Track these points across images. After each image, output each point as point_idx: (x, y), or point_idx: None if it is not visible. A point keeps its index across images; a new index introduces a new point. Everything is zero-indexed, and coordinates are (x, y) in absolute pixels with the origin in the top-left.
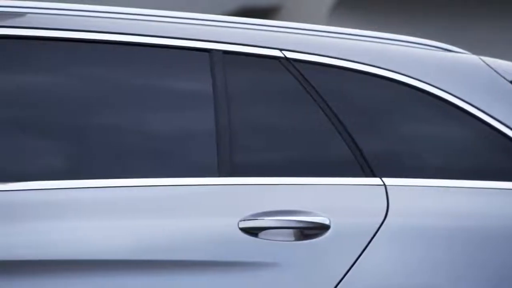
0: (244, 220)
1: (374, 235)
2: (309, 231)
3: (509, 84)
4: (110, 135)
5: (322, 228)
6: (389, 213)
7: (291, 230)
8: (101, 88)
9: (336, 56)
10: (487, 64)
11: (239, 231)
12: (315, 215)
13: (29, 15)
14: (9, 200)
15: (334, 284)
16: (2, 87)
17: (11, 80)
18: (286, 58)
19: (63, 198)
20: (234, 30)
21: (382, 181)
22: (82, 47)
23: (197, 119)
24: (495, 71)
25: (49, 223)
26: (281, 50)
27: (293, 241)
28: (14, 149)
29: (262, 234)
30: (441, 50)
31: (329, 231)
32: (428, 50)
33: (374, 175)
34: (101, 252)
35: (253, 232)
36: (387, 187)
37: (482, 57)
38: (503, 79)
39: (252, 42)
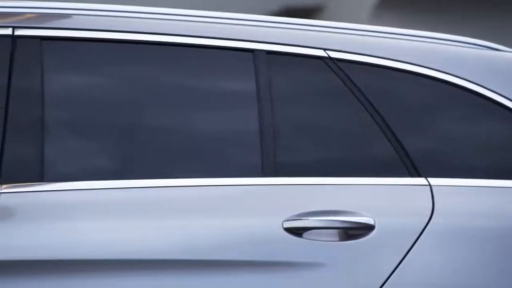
0: (288, 220)
1: (420, 235)
2: (354, 231)
3: None
4: (155, 135)
5: (366, 229)
6: (434, 213)
7: (335, 230)
8: (148, 89)
9: (381, 55)
10: None
11: (284, 231)
12: (360, 215)
13: (74, 16)
14: (56, 200)
15: (379, 285)
16: (51, 88)
17: (60, 81)
18: (330, 58)
19: (109, 198)
20: (278, 30)
21: (427, 181)
22: (130, 49)
23: (241, 119)
24: None
25: (95, 223)
26: (325, 50)
27: (338, 241)
28: (62, 149)
29: (306, 234)
30: (490, 49)
31: (374, 232)
32: (477, 50)
33: (419, 175)
34: (146, 252)
35: (297, 232)
36: (433, 187)
37: None
38: None
39: (296, 42)
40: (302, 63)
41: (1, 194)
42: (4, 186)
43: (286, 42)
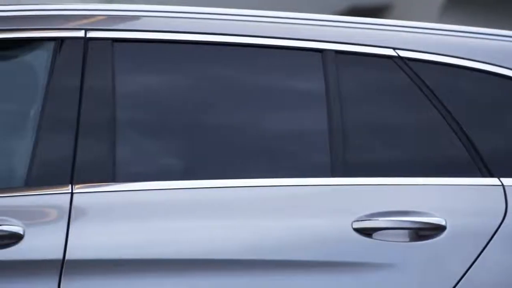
0: (358, 220)
1: (492, 237)
2: (425, 232)
3: None
4: (225, 135)
5: (437, 229)
6: (507, 214)
7: (406, 231)
8: (217, 90)
9: (451, 54)
10: None
11: (353, 232)
12: (431, 215)
13: (144, 18)
14: (128, 200)
15: (452, 286)
16: (122, 90)
17: (131, 82)
18: (400, 57)
19: (180, 199)
20: (347, 30)
21: (500, 181)
22: (201, 49)
23: (310, 119)
24: None
25: (166, 223)
26: (394, 49)
27: (408, 241)
28: (133, 150)
29: (376, 234)
30: None
31: (445, 232)
32: None
33: (491, 175)
34: (215, 252)
35: (367, 232)
36: (506, 187)
37: None
38: None
39: (365, 41)
40: (372, 63)
41: (75, 194)
42: (77, 186)
43: (355, 42)
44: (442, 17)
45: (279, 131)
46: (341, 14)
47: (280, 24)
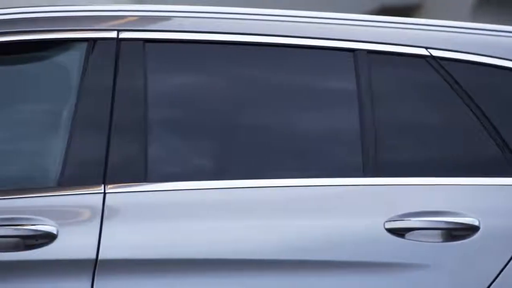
0: (390, 220)
1: None
2: (458, 232)
3: None
4: (256, 135)
5: (471, 229)
6: None
7: (439, 231)
8: (249, 90)
9: (484, 53)
10: None
11: (386, 232)
12: (464, 215)
13: (176, 18)
14: (159, 200)
15: (485, 287)
16: (154, 90)
17: (162, 83)
18: (432, 57)
19: (211, 199)
20: (378, 29)
21: None
22: (232, 50)
23: (342, 119)
24: None
25: (197, 223)
26: (427, 48)
27: (441, 242)
28: (164, 150)
29: (409, 235)
30: None
31: (479, 232)
32: None
33: None
34: (248, 252)
35: (399, 233)
36: None
37: None
38: None
39: (397, 41)
40: (404, 62)
41: (107, 194)
42: (109, 186)
43: (387, 41)
44: (474, 16)
45: (311, 131)
46: (371, 13)
47: (312, 24)
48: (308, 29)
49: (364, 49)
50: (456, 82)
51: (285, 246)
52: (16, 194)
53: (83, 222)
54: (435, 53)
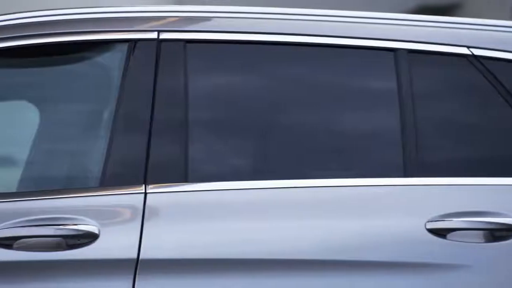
0: (431, 221)
1: None
2: (500, 233)
3: None
4: (296, 135)
5: None
6: None
7: (480, 232)
8: (289, 90)
9: None
10: None
11: (427, 232)
12: (506, 216)
13: (216, 19)
14: (200, 200)
15: None
16: (194, 90)
17: (203, 83)
18: (474, 56)
19: (251, 199)
20: (419, 28)
21: None
22: (272, 50)
23: (382, 119)
24: None
25: (237, 223)
26: (468, 47)
27: (483, 242)
28: (205, 150)
29: (450, 235)
30: None
31: None
32: None
33: None
34: (288, 252)
35: (441, 233)
36: None
37: None
38: None
39: (438, 40)
40: (445, 61)
41: (148, 194)
42: (150, 186)
43: (428, 41)
44: None
45: (351, 130)
46: (410, 12)
47: (353, 24)
48: (349, 29)
49: (405, 48)
50: (498, 81)
51: (323, 246)
52: (59, 194)
53: (124, 222)
54: (477, 52)
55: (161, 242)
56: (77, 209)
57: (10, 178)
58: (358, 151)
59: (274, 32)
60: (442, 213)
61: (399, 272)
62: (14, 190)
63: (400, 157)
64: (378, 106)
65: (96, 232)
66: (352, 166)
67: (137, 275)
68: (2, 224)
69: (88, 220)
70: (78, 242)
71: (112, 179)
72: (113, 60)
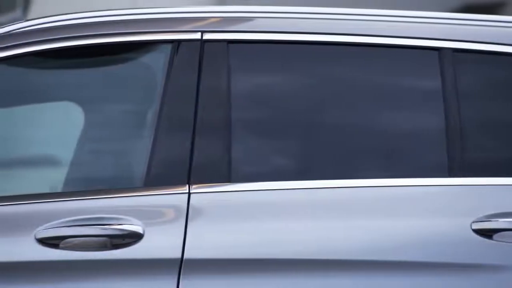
0: (477, 221)
1: None
2: None
3: None
4: (339, 135)
5: None
6: None
7: None
8: (331, 89)
9: None
10: None
11: (472, 233)
12: None
13: (258, 19)
14: (243, 200)
15: None
16: (237, 90)
17: (245, 83)
18: None
19: (293, 199)
20: (464, 27)
21: None
22: (315, 49)
23: (426, 118)
24: None
25: (280, 224)
26: None
27: None
28: (248, 150)
29: (497, 236)
30: None
31: None
32: None
33: None
34: (331, 252)
35: (487, 234)
36: None
37: None
38: None
39: (483, 38)
40: (490, 60)
41: (192, 194)
42: (194, 186)
43: (473, 39)
44: None
45: (395, 130)
46: (453, 11)
47: (397, 23)
48: (393, 28)
49: (450, 47)
50: None
51: (368, 246)
52: (104, 194)
53: (168, 222)
54: None
55: (205, 242)
56: (122, 209)
57: (56, 179)
58: (402, 151)
59: (317, 32)
60: (488, 213)
61: (445, 272)
62: (59, 190)
63: (445, 157)
64: (422, 105)
65: (141, 232)
66: (396, 166)
67: (181, 275)
68: (48, 224)
69: (132, 220)
70: (123, 242)
71: (156, 179)
72: (157, 61)
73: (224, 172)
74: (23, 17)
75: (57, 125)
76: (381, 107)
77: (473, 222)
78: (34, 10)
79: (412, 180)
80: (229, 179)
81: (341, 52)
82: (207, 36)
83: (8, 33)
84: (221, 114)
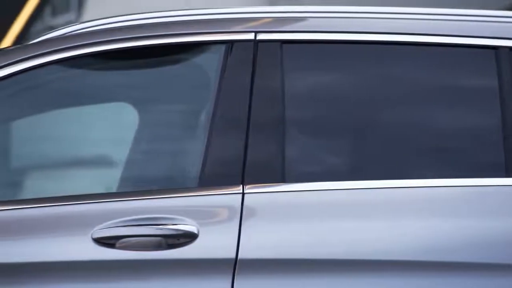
0: None
1: None
2: None
3: None
4: (392, 135)
5: None
6: None
7: None
8: (385, 89)
9: None
10: None
11: None
12: None
13: (311, 19)
14: (297, 201)
15: None
16: (291, 90)
17: (299, 83)
18: None
19: (348, 199)
20: None
21: None
22: (367, 49)
23: (483, 118)
24: None
25: (334, 224)
26: None
27: None
28: (301, 150)
29: None
30: None
31: None
32: None
33: None
34: (384, 252)
35: None
36: None
37: None
38: None
39: None
40: None
41: (245, 195)
42: (248, 186)
43: None
44: None
45: (451, 130)
46: (507, 9)
47: (452, 22)
48: (449, 27)
49: (507, 46)
50: None
51: (418, 247)
52: (159, 195)
53: (222, 222)
54: None
55: (259, 242)
56: (177, 209)
57: (111, 179)
58: (458, 151)
59: (371, 31)
60: None
61: (496, 275)
62: (114, 191)
63: (501, 157)
64: (479, 105)
65: (195, 232)
66: (452, 166)
67: (235, 275)
68: (104, 224)
69: (187, 220)
70: (178, 241)
71: (210, 179)
72: (211, 61)
73: (278, 172)
74: (77, 19)
75: (112, 126)
76: (437, 107)
77: None
78: (87, 12)
79: (467, 180)
80: (283, 179)
81: (395, 52)
82: (261, 37)
83: (64, 35)
84: (275, 114)
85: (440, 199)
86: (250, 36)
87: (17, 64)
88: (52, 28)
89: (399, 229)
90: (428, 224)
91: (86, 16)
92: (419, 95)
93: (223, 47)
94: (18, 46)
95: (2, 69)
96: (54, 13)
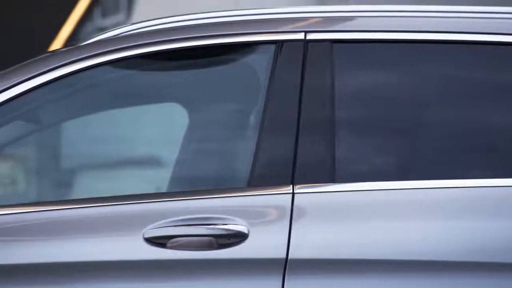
0: None
1: None
2: None
3: None
4: (444, 134)
5: None
6: None
7: None
8: (434, 88)
9: None
10: None
11: None
12: None
13: (361, 18)
14: (347, 200)
15: None
16: (341, 90)
17: (349, 83)
18: None
19: (399, 199)
20: None
21: None
22: (417, 48)
23: None
24: None
25: (384, 224)
26: None
27: None
28: (352, 150)
29: None
30: None
31: None
32: None
33: None
34: (434, 253)
35: None
36: None
37: None
38: None
39: None
40: None
41: (295, 195)
42: (297, 186)
43: None
44: None
45: (499, 130)
46: None
47: (500, 20)
48: (498, 25)
49: None
50: None
51: (469, 247)
52: (209, 195)
53: (272, 222)
54: None
55: (309, 242)
56: (227, 209)
57: (161, 179)
58: (505, 151)
59: (421, 30)
60: None
61: None
62: (164, 191)
63: None
64: None
65: (246, 231)
66: (500, 166)
67: (286, 275)
68: (155, 224)
69: (237, 220)
70: (228, 241)
71: (260, 179)
72: (261, 61)
73: (328, 172)
74: (126, 21)
75: (163, 126)
76: (492, 107)
77: None
78: (136, 13)
79: (509, 180)
80: (333, 179)
81: (446, 51)
82: (310, 36)
83: (117, 36)
84: (325, 114)
85: (490, 199)
86: (300, 36)
87: (71, 65)
88: (101, 30)
89: (449, 229)
90: (477, 224)
91: (135, 17)
92: (468, 94)
93: (273, 47)
94: (71, 47)
95: (55, 70)
96: (104, 15)
